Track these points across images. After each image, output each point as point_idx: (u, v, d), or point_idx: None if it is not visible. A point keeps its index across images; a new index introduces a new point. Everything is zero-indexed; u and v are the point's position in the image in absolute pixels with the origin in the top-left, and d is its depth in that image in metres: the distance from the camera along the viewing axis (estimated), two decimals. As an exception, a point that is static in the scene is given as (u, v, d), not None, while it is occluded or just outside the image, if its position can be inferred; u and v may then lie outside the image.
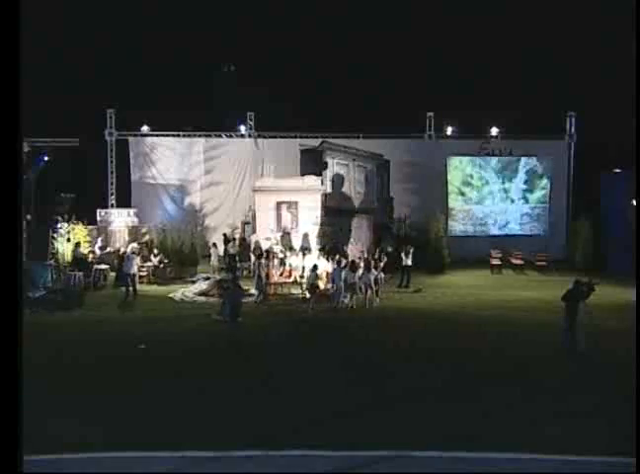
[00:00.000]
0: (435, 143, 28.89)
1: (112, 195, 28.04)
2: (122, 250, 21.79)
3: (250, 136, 28.33)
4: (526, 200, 29.28)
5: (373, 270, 17.59)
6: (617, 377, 10.10)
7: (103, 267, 21.26)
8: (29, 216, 20.65)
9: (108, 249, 23.63)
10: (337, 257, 18.48)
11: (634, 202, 23.17)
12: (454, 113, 28.35)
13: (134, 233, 25.37)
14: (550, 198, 29.20)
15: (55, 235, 21.18)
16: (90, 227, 23.96)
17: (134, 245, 22.21)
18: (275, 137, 28.21)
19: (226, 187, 28.06)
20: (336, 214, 23.41)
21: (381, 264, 18.71)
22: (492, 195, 29.18)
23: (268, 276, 18.59)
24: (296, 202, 22.52)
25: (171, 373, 10.78)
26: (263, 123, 28.22)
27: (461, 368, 11.03)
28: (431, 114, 28.73)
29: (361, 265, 17.62)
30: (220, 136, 28.63)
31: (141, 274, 20.83)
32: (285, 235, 21.98)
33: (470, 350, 12.38)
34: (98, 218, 25.39)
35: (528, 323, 14.98)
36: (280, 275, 19.39)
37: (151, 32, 30.61)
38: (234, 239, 24.47)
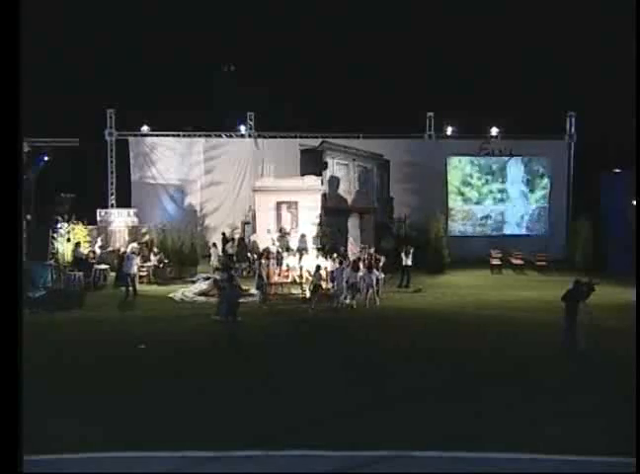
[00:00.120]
0: (435, 143, 28.89)
1: (112, 195, 28.05)
2: (122, 250, 21.80)
3: (250, 136, 28.34)
4: (526, 201, 29.28)
5: (375, 270, 17.63)
6: (617, 377, 10.10)
7: (103, 267, 21.27)
8: (29, 216, 20.65)
9: (108, 248, 23.64)
10: (339, 256, 18.50)
11: (634, 202, 23.19)
12: (454, 113, 28.36)
13: (134, 233, 25.36)
14: (550, 198, 29.22)
15: (55, 235, 21.18)
16: (90, 227, 23.96)
17: (134, 245, 22.21)
18: (275, 137, 28.22)
19: (226, 187, 28.06)
20: (335, 214, 23.42)
21: (380, 263, 18.72)
22: (492, 194, 29.18)
23: (268, 275, 18.59)
24: (296, 202, 22.53)
25: (171, 373, 10.78)
26: (263, 123, 28.24)
27: (461, 368, 11.02)
28: (431, 114, 28.74)
29: (361, 265, 17.64)
30: (220, 136, 28.64)
31: (141, 274, 20.84)
32: (285, 235, 21.98)
33: (470, 350, 12.37)
34: (98, 218, 25.39)
35: (528, 323, 14.98)
36: (278, 275, 19.40)
37: (151, 32, 30.63)
38: (233, 239, 24.50)
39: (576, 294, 12.33)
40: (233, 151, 28.36)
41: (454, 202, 29.06)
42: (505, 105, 28.69)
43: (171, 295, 19.04)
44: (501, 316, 15.93)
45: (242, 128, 28.46)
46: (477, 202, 29.19)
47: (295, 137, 27.43)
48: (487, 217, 29.19)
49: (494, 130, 28.93)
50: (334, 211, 23.38)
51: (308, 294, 17.91)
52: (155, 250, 22.36)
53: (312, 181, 22.56)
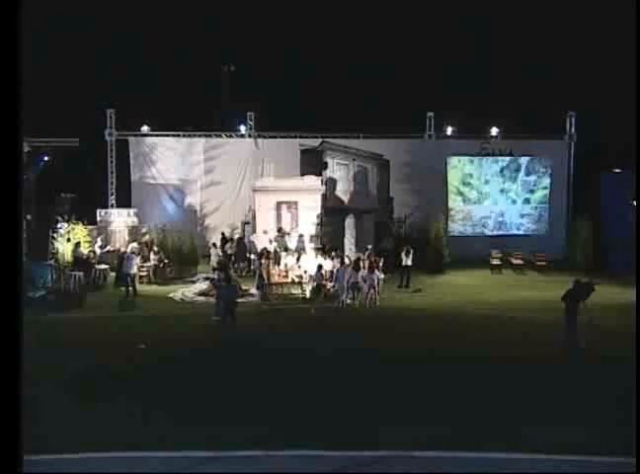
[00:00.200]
0: (435, 143, 28.88)
1: (112, 195, 28.03)
2: (122, 250, 21.80)
3: (250, 136, 28.33)
4: (526, 201, 29.26)
5: (377, 270, 17.64)
6: (617, 377, 10.10)
7: (103, 267, 21.27)
8: (29, 216, 20.63)
9: (107, 248, 23.63)
10: (339, 256, 18.49)
11: (634, 202, 23.19)
12: (454, 113, 28.34)
13: (134, 233, 25.35)
14: (550, 198, 29.20)
15: (55, 235, 21.19)
16: (90, 227, 23.97)
17: (134, 245, 22.22)
18: (275, 137, 28.21)
19: (226, 187, 28.04)
20: (335, 214, 23.41)
21: (380, 263, 18.73)
22: (492, 194, 29.16)
23: (268, 275, 18.59)
24: (296, 202, 22.52)
25: (171, 373, 10.78)
26: (263, 123, 28.22)
27: (461, 368, 11.03)
28: (431, 114, 28.72)
29: (360, 264, 17.65)
30: (220, 136, 28.63)
31: (141, 274, 20.85)
32: (285, 235, 21.97)
33: (470, 350, 12.38)
34: (98, 218, 25.38)
35: (528, 323, 14.99)
36: (278, 275, 19.39)
37: (151, 32, 30.62)
38: (232, 239, 24.51)
39: (576, 294, 12.35)
40: (233, 151, 28.35)
41: (454, 203, 29.04)
42: (505, 105, 28.68)
43: (171, 295, 19.05)
44: (501, 316, 15.94)
45: (242, 128, 28.45)
46: (476, 202, 29.18)
47: (295, 137, 27.40)
48: (487, 217, 29.17)
49: (494, 130, 28.91)
50: (334, 211, 23.37)
51: (308, 294, 17.93)
52: (155, 249, 22.36)
53: (312, 181, 22.55)
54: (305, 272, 18.53)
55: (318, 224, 22.31)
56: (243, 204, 26.73)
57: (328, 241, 21.99)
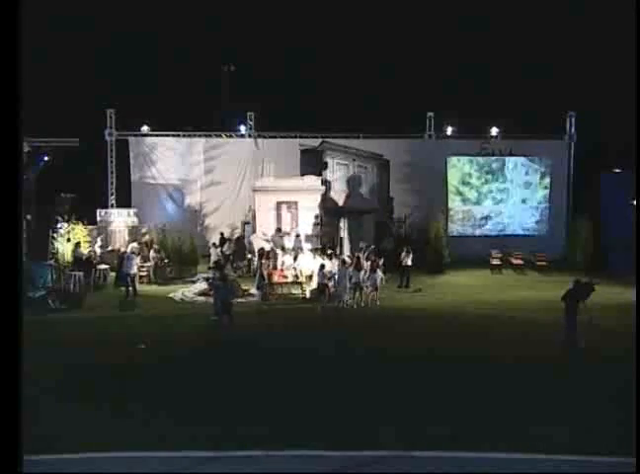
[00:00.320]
0: (435, 143, 28.87)
1: (112, 195, 28.02)
2: (122, 250, 21.79)
3: (250, 136, 28.32)
4: (526, 201, 29.27)
5: (378, 270, 17.64)
6: (617, 377, 10.10)
7: (103, 267, 21.27)
8: (29, 216, 20.63)
9: (108, 248, 23.64)
10: (339, 256, 18.47)
11: (634, 202, 23.18)
12: (454, 113, 28.34)
13: (134, 233, 25.35)
14: (550, 198, 29.20)
15: (55, 235, 21.18)
16: (90, 227, 23.96)
17: (134, 245, 22.21)
18: (275, 137, 28.19)
19: (226, 187, 28.03)
20: (335, 214, 23.42)
21: (380, 263, 18.72)
22: (491, 195, 29.16)
23: (269, 275, 18.59)
24: (296, 202, 22.53)
25: (171, 373, 10.78)
26: (263, 123, 28.22)
27: (461, 368, 11.03)
28: (431, 114, 28.71)
29: (361, 264, 17.65)
30: (220, 136, 28.62)
31: (141, 274, 20.85)
32: (285, 235, 21.98)
33: (470, 349, 12.38)
34: (98, 218, 25.38)
35: (528, 323, 14.98)
36: (277, 275, 19.38)
37: (151, 32, 30.61)
38: (229, 240, 24.51)
39: (576, 294, 12.35)
40: (233, 151, 28.34)
41: (454, 202, 29.05)
42: (505, 105, 28.66)
43: (171, 295, 19.05)
44: (501, 316, 15.94)
45: (242, 128, 28.45)
46: (476, 202, 29.18)
47: (295, 137, 27.39)
48: (487, 217, 29.17)
49: (494, 130, 28.90)
50: (334, 211, 23.37)
51: (308, 294, 17.94)
52: (155, 246, 22.36)
53: (312, 181, 22.56)
54: (301, 272, 18.53)
55: (318, 224, 22.31)
56: (243, 204, 26.72)
57: (328, 241, 21.99)
